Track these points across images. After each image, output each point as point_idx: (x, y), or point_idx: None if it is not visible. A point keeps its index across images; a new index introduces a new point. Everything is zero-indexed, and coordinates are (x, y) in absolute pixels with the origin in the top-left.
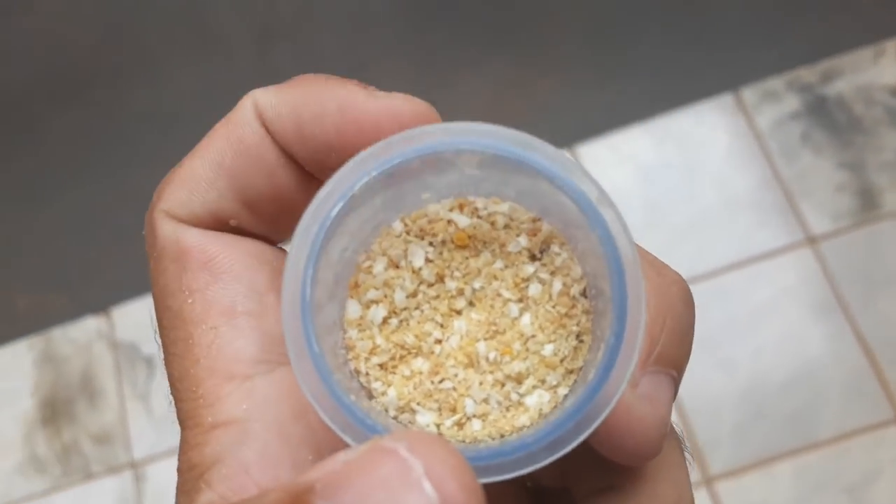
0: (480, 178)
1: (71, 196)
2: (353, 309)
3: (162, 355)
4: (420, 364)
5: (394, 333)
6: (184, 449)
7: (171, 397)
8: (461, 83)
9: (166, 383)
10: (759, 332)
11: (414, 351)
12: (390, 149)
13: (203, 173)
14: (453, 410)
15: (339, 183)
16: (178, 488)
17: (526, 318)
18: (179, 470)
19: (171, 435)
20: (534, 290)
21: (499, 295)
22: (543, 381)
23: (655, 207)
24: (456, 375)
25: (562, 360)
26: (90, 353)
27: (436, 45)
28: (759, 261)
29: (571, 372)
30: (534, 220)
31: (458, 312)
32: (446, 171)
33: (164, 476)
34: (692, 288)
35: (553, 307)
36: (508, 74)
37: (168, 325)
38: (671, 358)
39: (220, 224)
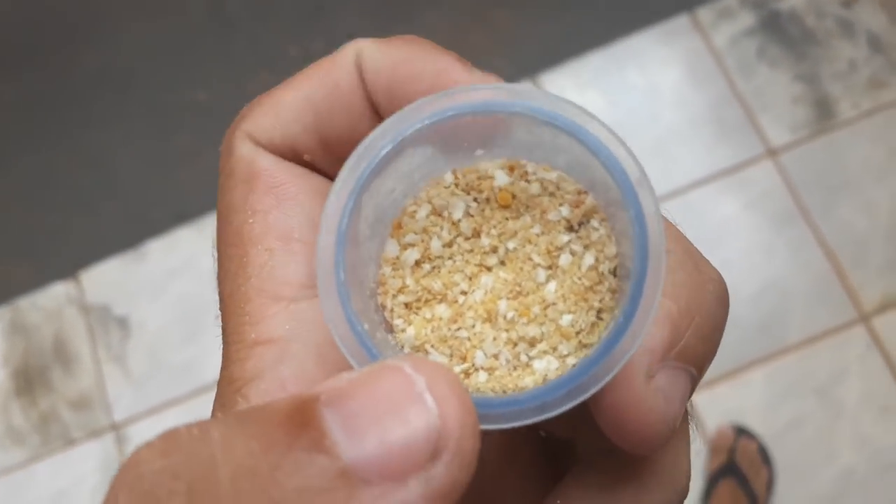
0: (534, 144)
1: (26, 162)
2: (391, 248)
3: (216, 270)
4: (442, 310)
5: (424, 277)
6: (224, 364)
7: (218, 313)
8: (419, 17)
9: (143, 343)
10: (725, 246)
11: (439, 297)
12: (446, 101)
13: (292, 105)
14: (463, 359)
15: (392, 125)
16: (216, 400)
17: (551, 286)
18: (219, 383)
19: (151, 394)
20: (564, 259)
21: (529, 259)
22: (555, 349)
23: (619, 130)
24: (473, 327)
25: (577, 333)
26: (61, 318)
27: None
28: (722, 176)
29: (585, 346)
30: (579, 192)
31: (488, 269)
32: (501, 132)
33: (146, 435)
34: None
35: (579, 279)
36: (466, 6)
37: (226, 241)
38: (694, 355)
39: (294, 156)
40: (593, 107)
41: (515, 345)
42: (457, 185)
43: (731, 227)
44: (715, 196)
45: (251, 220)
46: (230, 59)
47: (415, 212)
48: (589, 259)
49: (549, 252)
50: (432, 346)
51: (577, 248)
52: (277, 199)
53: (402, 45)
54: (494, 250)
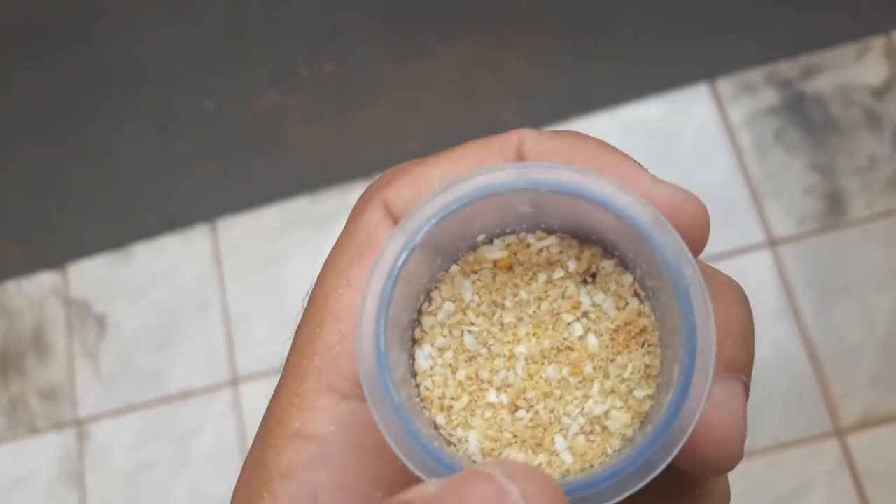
0: (530, 213)
1: (33, 149)
2: (421, 360)
3: (300, 316)
4: (497, 400)
5: (467, 379)
6: (265, 434)
7: (289, 353)
8: (433, 54)
9: (116, 344)
10: None
11: (486, 386)
12: (450, 193)
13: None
14: (540, 445)
15: (403, 232)
16: (243, 476)
17: (591, 339)
18: (252, 454)
19: (115, 396)
20: (588, 308)
21: (558, 316)
22: (626, 401)
23: None
24: (534, 407)
25: (638, 371)
26: (43, 308)
27: (411, 14)
28: (715, 260)
29: (650, 377)
30: (581, 246)
31: (519, 341)
32: (499, 210)
33: (107, 436)
34: None
35: (612, 323)
36: (481, 50)
37: (316, 297)
38: (740, 363)
39: None
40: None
41: (583, 411)
42: (465, 275)
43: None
44: None
45: (341, 291)
46: (241, 72)
47: (434, 311)
48: (610, 301)
49: (573, 307)
50: (505, 445)
51: (597, 296)
52: None
53: (575, 139)
54: (520, 320)
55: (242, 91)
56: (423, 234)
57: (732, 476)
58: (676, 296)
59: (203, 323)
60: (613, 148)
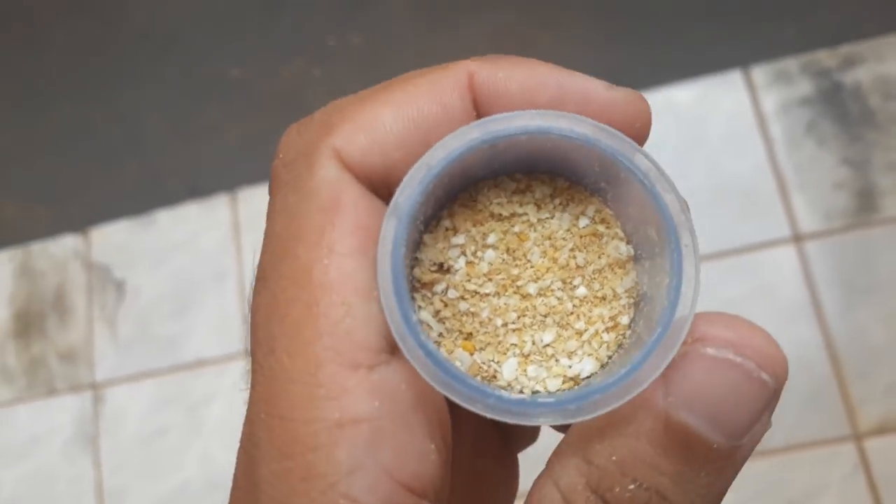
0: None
1: (62, 109)
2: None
3: (250, 297)
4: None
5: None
6: (289, 448)
7: (252, 359)
8: (461, 27)
9: (134, 310)
10: None
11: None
12: (426, 166)
13: (393, 127)
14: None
15: (393, 217)
16: (275, 498)
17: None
18: (269, 473)
19: (131, 361)
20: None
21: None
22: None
23: None
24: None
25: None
26: (66, 270)
27: None
28: (736, 253)
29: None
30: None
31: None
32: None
33: (122, 399)
34: None
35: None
36: (510, 24)
37: (285, 274)
38: None
39: (384, 190)
40: None
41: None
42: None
43: (733, 311)
44: (723, 273)
45: (326, 262)
46: (270, 41)
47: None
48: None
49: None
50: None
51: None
52: (361, 244)
53: (525, 65)
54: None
55: (269, 60)
56: (413, 205)
57: (745, 476)
58: (669, 256)
59: (220, 293)
60: (560, 68)
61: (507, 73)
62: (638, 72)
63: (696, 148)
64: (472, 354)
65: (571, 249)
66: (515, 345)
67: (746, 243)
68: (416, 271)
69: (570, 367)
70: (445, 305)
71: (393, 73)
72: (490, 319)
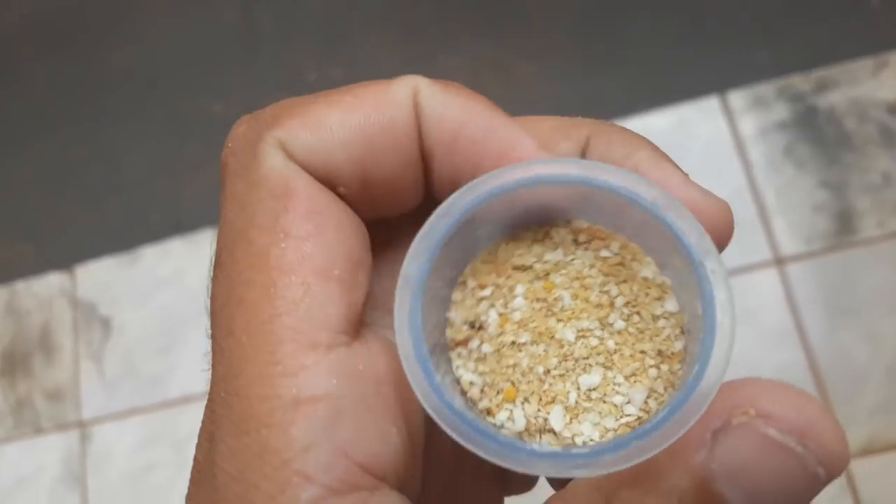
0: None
1: (45, 147)
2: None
3: (210, 287)
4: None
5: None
6: (244, 421)
7: (212, 342)
8: (441, 58)
9: (120, 347)
10: None
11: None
12: (507, 175)
13: (340, 129)
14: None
15: (431, 232)
16: (230, 474)
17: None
18: (224, 450)
19: (118, 399)
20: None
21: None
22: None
23: None
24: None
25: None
26: (51, 308)
27: (419, 19)
28: None
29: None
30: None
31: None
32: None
33: (109, 438)
34: None
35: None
36: (489, 55)
37: (242, 260)
38: None
39: (329, 185)
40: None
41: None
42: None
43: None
44: None
45: (283, 245)
46: (250, 76)
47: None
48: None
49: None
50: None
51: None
52: (317, 227)
53: (467, 97)
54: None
55: (251, 96)
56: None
57: None
58: (703, 310)
59: (206, 329)
60: (498, 112)
61: (445, 100)
62: (615, 100)
63: None
64: (514, 405)
65: (602, 285)
66: (561, 392)
67: (728, 268)
68: (449, 332)
69: (623, 405)
70: (483, 360)
71: None
72: (531, 368)
